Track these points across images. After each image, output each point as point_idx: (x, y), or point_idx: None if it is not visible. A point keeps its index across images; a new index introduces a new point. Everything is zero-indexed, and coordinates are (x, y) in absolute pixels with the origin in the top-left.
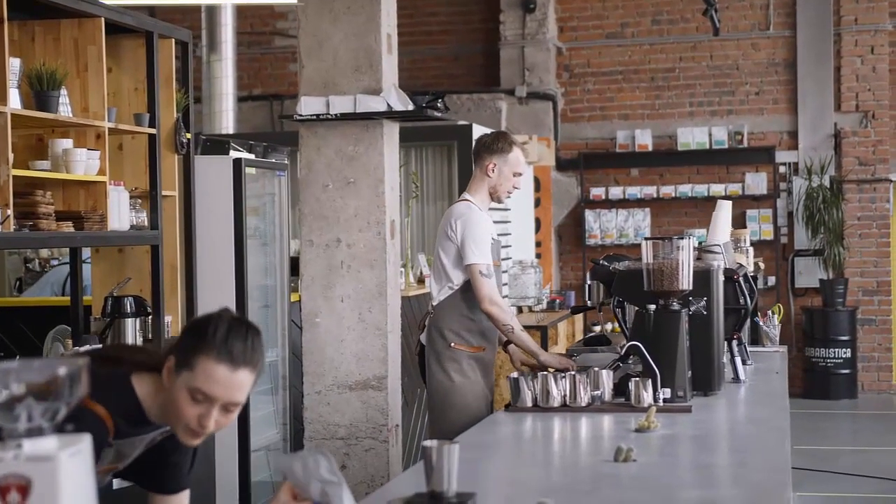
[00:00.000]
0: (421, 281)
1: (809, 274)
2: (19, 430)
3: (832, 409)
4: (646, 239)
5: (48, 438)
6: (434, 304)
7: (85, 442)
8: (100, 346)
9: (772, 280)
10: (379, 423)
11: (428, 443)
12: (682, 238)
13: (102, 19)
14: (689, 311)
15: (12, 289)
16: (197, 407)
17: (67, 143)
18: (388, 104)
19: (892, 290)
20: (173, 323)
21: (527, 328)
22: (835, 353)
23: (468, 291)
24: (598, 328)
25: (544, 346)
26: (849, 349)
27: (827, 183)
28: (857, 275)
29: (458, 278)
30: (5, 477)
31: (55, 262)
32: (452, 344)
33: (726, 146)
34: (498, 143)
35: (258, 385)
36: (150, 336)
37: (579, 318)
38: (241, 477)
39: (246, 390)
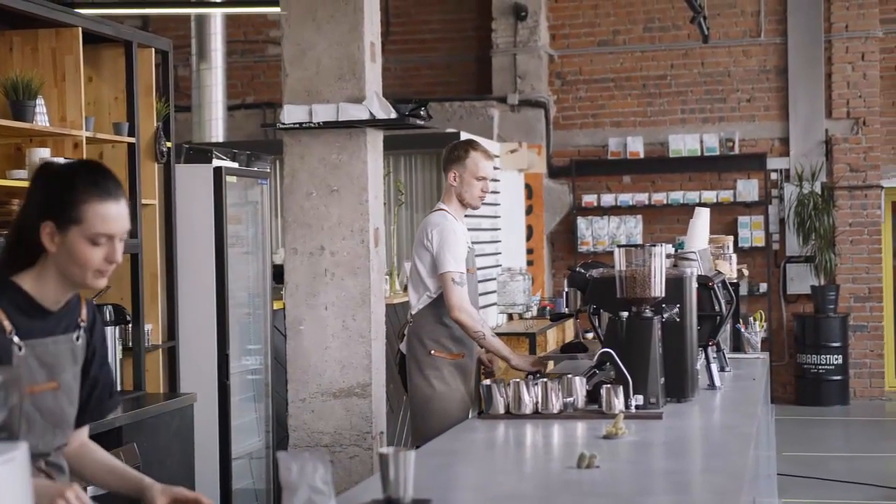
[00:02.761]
0: (406, 288)
1: (801, 280)
2: None
3: (824, 415)
4: (619, 246)
5: None
6: (413, 312)
7: (21, 450)
8: None
9: (763, 287)
10: (363, 430)
11: (384, 450)
12: (655, 245)
13: (80, 29)
14: (662, 318)
15: None
16: (99, 249)
17: (45, 152)
18: (371, 112)
19: (884, 296)
20: (153, 331)
21: (516, 335)
22: (826, 359)
23: None
24: (590, 335)
25: (532, 353)
26: (840, 355)
27: (818, 189)
28: (849, 281)
29: (435, 287)
30: None
31: None
32: (432, 351)
33: (718, 153)
34: (454, 151)
35: (241, 392)
36: (130, 344)
37: (570, 324)
38: (222, 484)
39: (129, 217)
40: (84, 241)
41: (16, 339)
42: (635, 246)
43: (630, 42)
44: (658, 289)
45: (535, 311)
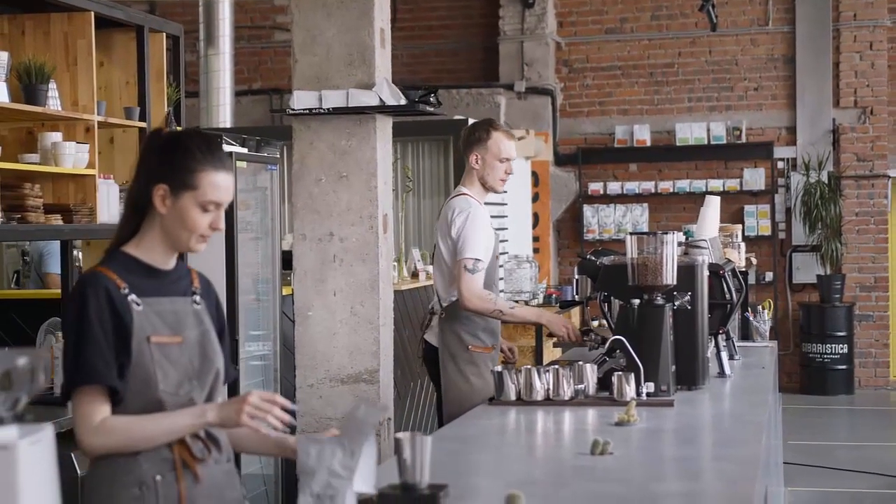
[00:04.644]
0: (415, 275)
1: (807, 269)
2: None
3: (829, 404)
4: (630, 234)
5: (8, 427)
6: (444, 304)
7: (47, 431)
8: None
9: (769, 276)
10: None
11: (400, 435)
12: (667, 233)
13: (92, 13)
14: (674, 305)
15: (10, 281)
16: (207, 216)
17: (57, 136)
18: (381, 98)
19: (890, 285)
20: None
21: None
22: (832, 348)
23: None
24: (595, 323)
25: (539, 339)
26: (846, 345)
27: (825, 179)
28: (855, 270)
29: None
30: None
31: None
32: (470, 346)
33: (724, 142)
34: (475, 132)
35: (250, 378)
36: None
37: (576, 312)
38: None
39: (234, 188)
40: (196, 206)
41: (132, 296)
42: (647, 234)
43: (637, 30)
44: (670, 276)
45: (541, 299)
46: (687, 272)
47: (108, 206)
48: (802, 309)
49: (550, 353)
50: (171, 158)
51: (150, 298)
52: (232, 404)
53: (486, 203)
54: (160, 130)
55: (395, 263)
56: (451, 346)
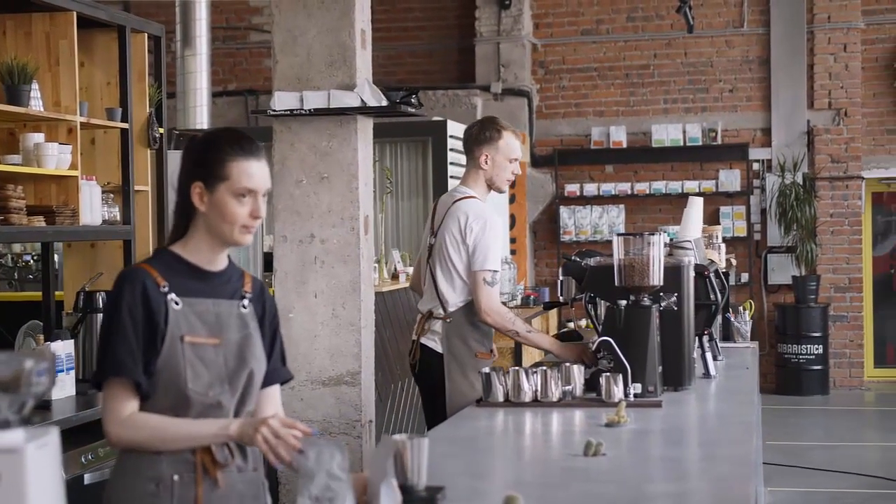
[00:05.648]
0: (395, 277)
1: (782, 270)
2: None
3: (804, 404)
4: (617, 235)
5: (15, 431)
6: (451, 309)
7: (53, 435)
8: None
9: (745, 277)
10: (352, 418)
11: (398, 437)
12: (654, 234)
13: (74, 13)
14: (660, 306)
15: None
16: (244, 205)
17: (39, 137)
18: (362, 99)
19: (864, 286)
20: None
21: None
22: (807, 349)
23: None
24: (571, 324)
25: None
26: (821, 345)
27: (800, 180)
28: (830, 271)
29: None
30: None
31: (27, 258)
32: (478, 354)
33: (700, 143)
34: (485, 131)
35: None
36: None
37: (553, 314)
38: None
39: (269, 177)
40: (231, 196)
41: (171, 295)
42: (634, 235)
43: (613, 32)
44: (657, 277)
45: (519, 301)
46: (673, 273)
47: (91, 207)
48: (778, 310)
49: (529, 354)
50: (202, 156)
51: (192, 299)
52: (252, 424)
53: None
54: (195, 135)
55: (376, 265)
56: (458, 353)
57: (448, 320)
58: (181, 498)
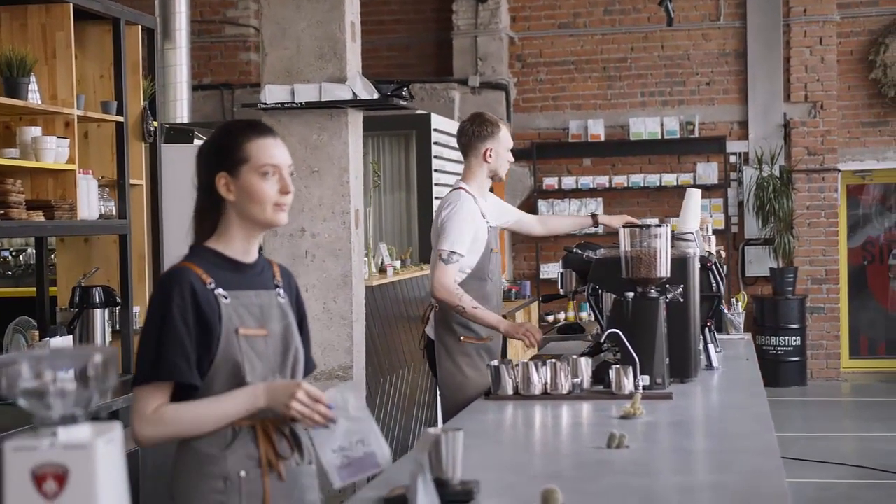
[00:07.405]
0: (383, 271)
1: (760, 263)
2: (53, 418)
3: (782, 396)
4: (624, 226)
5: (83, 426)
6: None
7: (117, 430)
8: None
9: (723, 269)
10: None
11: (433, 430)
12: (660, 226)
13: (71, 5)
14: (667, 298)
15: None
16: (271, 183)
17: (36, 130)
18: (354, 92)
19: (840, 278)
20: (142, 313)
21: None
22: (785, 340)
23: (472, 283)
24: (562, 316)
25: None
26: (798, 337)
27: (777, 172)
28: (807, 263)
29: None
30: (41, 466)
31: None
32: (462, 338)
33: (678, 136)
34: (485, 127)
35: None
36: (118, 327)
37: (534, 307)
38: None
39: (289, 154)
40: (256, 176)
41: (219, 290)
42: (641, 226)
43: (590, 25)
44: (664, 269)
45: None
46: (679, 265)
47: (88, 201)
48: (756, 302)
49: (514, 348)
50: (219, 146)
51: (236, 291)
52: (283, 393)
53: (439, 196)
54: (218, 128)
55: (365, 259)
56: (445, 339)
57: (436, 308)
58: (249, 494)
